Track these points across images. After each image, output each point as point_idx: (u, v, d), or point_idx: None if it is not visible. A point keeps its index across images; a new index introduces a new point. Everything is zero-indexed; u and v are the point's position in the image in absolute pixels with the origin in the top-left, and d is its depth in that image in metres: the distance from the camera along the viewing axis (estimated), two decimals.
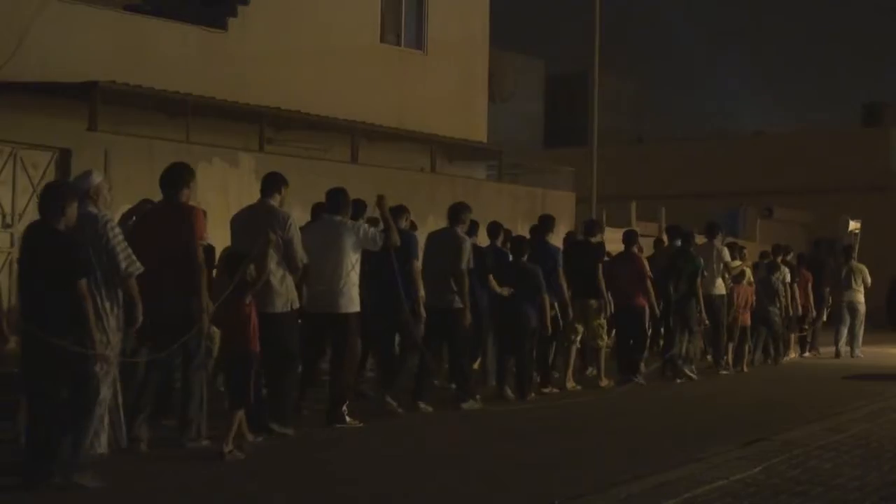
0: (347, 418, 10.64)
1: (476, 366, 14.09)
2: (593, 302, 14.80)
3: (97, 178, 8.57)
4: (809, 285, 20.99)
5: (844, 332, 21.36)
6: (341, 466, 8.95)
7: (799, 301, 20.30)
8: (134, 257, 8.35)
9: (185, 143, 17.70)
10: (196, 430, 9.23)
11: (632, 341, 15.65)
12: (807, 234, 37.33)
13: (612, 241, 17.77)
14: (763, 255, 19.68)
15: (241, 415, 9.04)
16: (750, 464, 8.93)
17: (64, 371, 7.53)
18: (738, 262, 18.19)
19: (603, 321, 14.99)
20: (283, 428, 9.92)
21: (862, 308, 21.35)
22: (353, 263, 10.62)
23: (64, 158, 16.04)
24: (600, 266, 14.91)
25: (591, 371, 15.88)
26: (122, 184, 14.34)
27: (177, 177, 9.34)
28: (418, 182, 21.12)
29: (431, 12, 25.06)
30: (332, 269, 10.53)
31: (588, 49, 26.57)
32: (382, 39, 24.18)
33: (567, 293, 14.30)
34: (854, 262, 21.62)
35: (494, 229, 14.50)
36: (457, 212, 12.63)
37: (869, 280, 21.54)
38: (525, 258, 13.65)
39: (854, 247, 22.68)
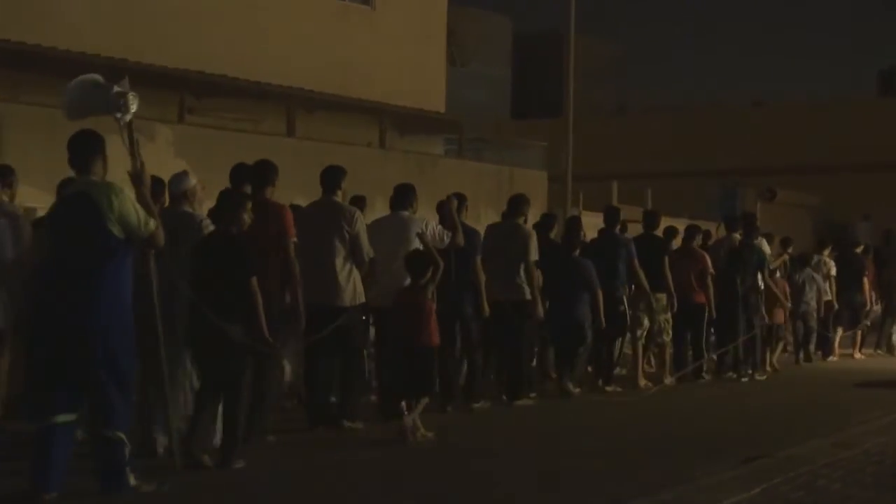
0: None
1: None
2: (661, 296, 15.99)
3: (193, 180, 10.01)
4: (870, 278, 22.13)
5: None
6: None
7: (868, 295, 21.71)
8: None
9: None
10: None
11: (692, 342, 16.87)
12: (814, 218, 37.62)
13: (591, 226, 17.88)
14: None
15: (424, 402, 10.89)
16: (747, 484, 8.95)
17: (240, 360, 9.27)
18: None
19: (669, 317, 16.20)
20: (353, 423, 11.26)
21: None
22: None
23: None
24: (667, 259, 16.12)
25: (619, 370, 16.56)
26: (20, 159, 14.19)
27: (263, 173, 10.75)
28: (365, 158, 21.12)
29: None
30: (400, 264, 11.67)
31: (562, 5, 26.65)
32: None
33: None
34: None
35: (547, 222, 15.96)
36: (518, 205, 14.18)
37: None
38: (577, 252, 14.90)
39: None
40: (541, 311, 13.97)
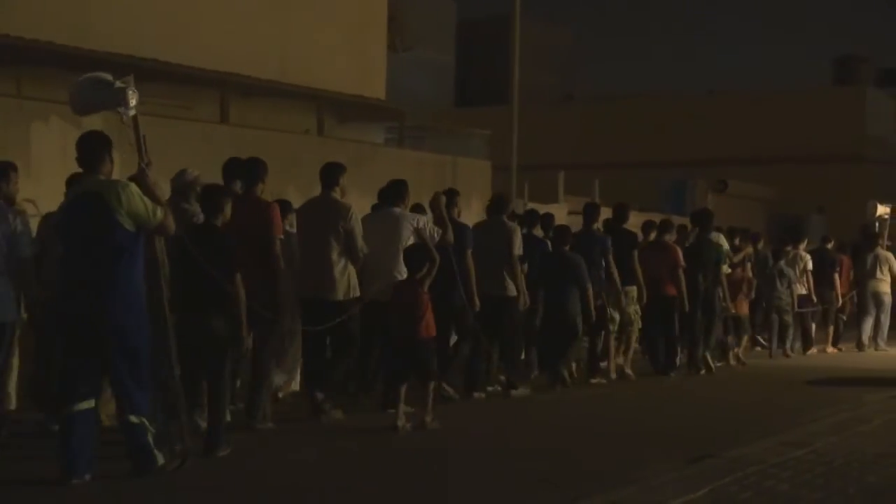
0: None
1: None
2: (631, 289, 16.87)
3: (192, 175, 11.15)
4: (845, 274, 23.25)
5: (870, 323, 23.33)
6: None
7: (839, 290, 22.93)
8: None
9: (16, 97, 17.46)
10: (263, 412, 11.43)
11: (664, 334, 17.75)
12: (766, 210, 37.89)
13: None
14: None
15: (433, 387, 11.95)
16: (694, 485, 9.05)
17: (221, 352, 10.05)
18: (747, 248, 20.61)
19: (638, 308, 17.07)
20: (330, 413, 12.16)
21: (888, 299, 23.33)
22: None
23: None
24: (636, 253, 17.00)
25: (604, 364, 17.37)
26: None
27: (253, 170, 11.69)
28: (302, 147, 21.05)
29: None
30: (391, 261, 12.66)
31: None
32: None
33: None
34: (880, 250, 23.49)
35: (531, 217, 17.17)
36: (501, 203, 15.35)
37: None
38: (568, 248, 15.78)
39: (882, 233, 24.62)
40: (525, 301, 14.88)
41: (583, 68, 59.01)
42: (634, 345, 17.48)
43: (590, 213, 17.06)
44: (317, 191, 18.10)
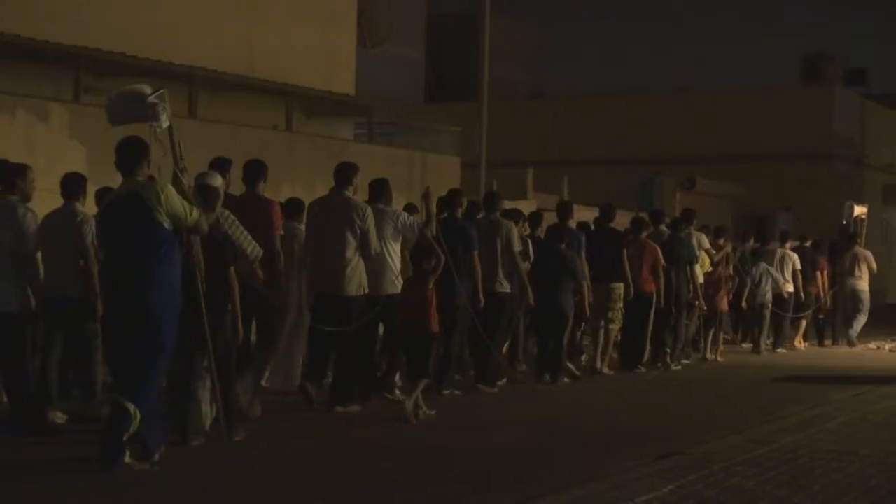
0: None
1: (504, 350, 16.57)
2: (618, 285, 17.24)
3: (219, 179, 11.08)
4: (825, 273, 23.70)
5: (859, 321, 24.02)
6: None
7: (822, 289, 23.46)
8: (255, 243, 11.16)
9: None
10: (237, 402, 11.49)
11: (637, 330, 18.08)
12: (735, 209, 37.99)
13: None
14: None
15: (423, 384, 12.34)
16: (660, 482, 9.07)
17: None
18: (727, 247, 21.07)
19: (622, 305, 17.41)
20: (346, 407, 12.63)
21: (865, 297, 23.90)
22: (394, 249, 13.31)
23: None
24: (624, 251, 17.43)
25: (585, 358, 18.21)
26: None
27: (255, 170, 12.45)
28: (271, 142, 21.04)
29: None
30: (376, 255, 13.02)
31: None
32: None
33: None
34: (858, 249, 24.12)
35: (515, 215, 17.06)
36: (495, 200, 15.93)
37: (874, 267, 24.06)
38: (564, 246, 16.20)
39: (860, 233, 25.04)
40: (531, 297, 15.48)
41: (553, 65, 58.89)
42: (614, 341, 17.76)
43: (564, 210, 17.32)
44: (285, 186, 18.29)
